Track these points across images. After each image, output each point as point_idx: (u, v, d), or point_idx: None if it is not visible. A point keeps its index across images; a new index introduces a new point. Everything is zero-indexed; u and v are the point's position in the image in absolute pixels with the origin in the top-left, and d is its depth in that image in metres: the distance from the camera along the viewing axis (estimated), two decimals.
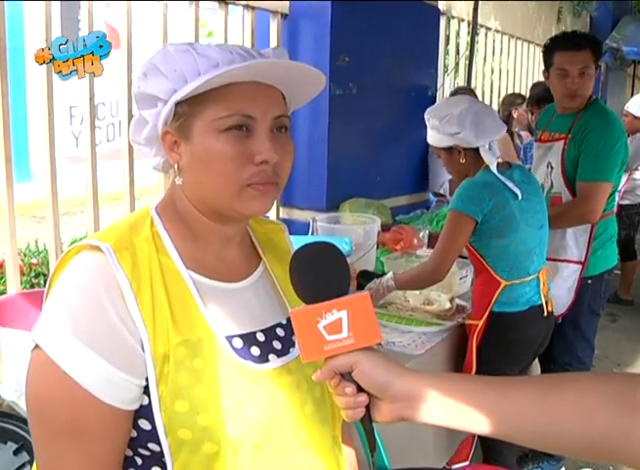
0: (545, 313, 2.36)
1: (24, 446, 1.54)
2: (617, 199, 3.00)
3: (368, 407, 0.85)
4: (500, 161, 2.34)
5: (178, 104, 0.92)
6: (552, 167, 2.81)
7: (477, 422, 0.80)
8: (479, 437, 2.43)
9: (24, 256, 3.90)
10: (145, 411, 0.87)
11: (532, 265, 2.32)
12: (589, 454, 0.79)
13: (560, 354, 2.88)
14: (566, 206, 2.72)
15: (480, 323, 2.30)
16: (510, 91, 5.96)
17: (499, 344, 2.32)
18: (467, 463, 2.48)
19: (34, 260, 3.76)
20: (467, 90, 4.43)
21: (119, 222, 0.98)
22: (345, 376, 0.84)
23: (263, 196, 0.93)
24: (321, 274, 0.85)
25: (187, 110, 0.92)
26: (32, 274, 3.57)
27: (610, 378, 0.80)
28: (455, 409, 0.81)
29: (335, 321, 0.83)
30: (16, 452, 1.53)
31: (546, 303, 2.36)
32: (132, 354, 0.85)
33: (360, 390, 0.84)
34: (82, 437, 0.85)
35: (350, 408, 0.84)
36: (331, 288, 0.85)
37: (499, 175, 2.23)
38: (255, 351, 0.95)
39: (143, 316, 0.85)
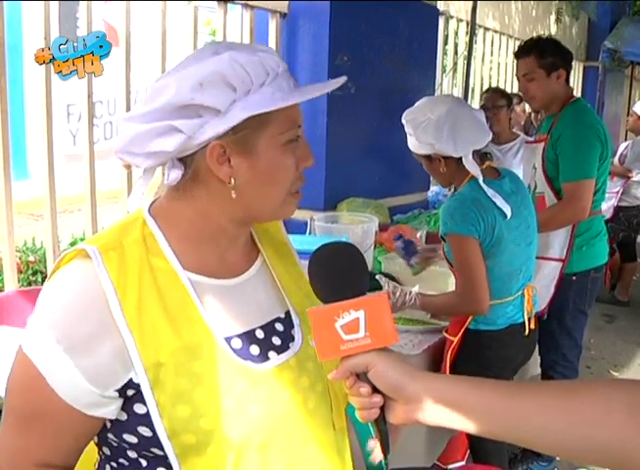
0: (527, 332, 2.23)
1: None
2: (605, 199, 3.02)
3: (383, 408, 0.85)
4: (492, 165, 2.18)
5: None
6: (535, 168, 2.89)
7: (490, 426, 0.80)
8: (468, 437, 2.43)
9: (22, 253, 3.89)
10: (144, 419, 0.87)
11: (516, 285, 2.18)
12: (601, 461, 0.77)
13: (546, 352, 2.92)
14: (554, 209, 2.77)
15: (456, 340, 2.19)
16: (508, 92, 5.95)
17: (475, 361, 2.19)
18: (462, 463, 2.49)
19: (32, 258, 3.75)
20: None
21: (112, 225, 0.98)
22: (361, 376, 0.84)
23: (296, 201, 0.99)
24: (339, 274, 0.85)
25: (252, 123, 0.90)
26: (30, 272, 3.56)
27: (629, 385, 0.78)
28: (467, 413, 0.80)
29: (352, 321, 0.83)
30: None
31: (529, 320, 2.23)
32: (104, 366, 0.86)
33: (375, 391, 0.84)
34: (39, 427, 0.89)
35: (365, 409, 0.84)
36: (349, 288, 0.84)
37: (488, 190, 2.04)
38: (255, 349, 0.95)
39: (128, 324, 0.85)
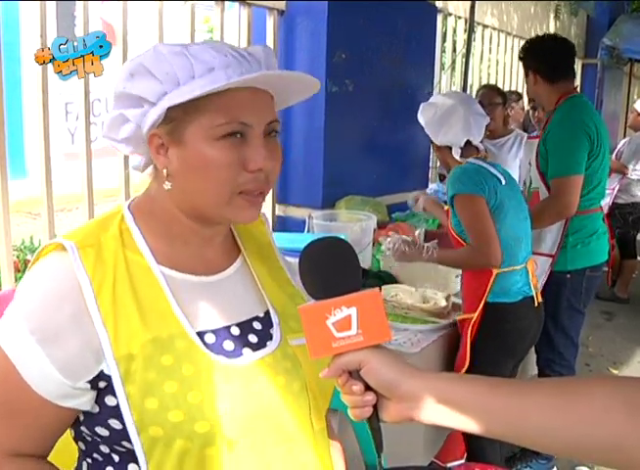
0: (536, 304, 2.39)
1: None
2: (603, 196, 3.02)
3: (376, 407, 0.84)
4: (482, 154, 2.41)
5: (170, 107, 0.90)
6: (531, 164, 2.96)
7: (489, 426, 0.79)
8: (463, 435, 2.43)
9: (20, 252, 3.89)
10: (114, 411, 0.87)
11: (521, 254, 2.33)
12: (600, 459, 0.77)
13: (542, 351, 2.94)
14: (541, 204, 2.80)
15: (475, 316, 2.28)
16: (507, 89, 5.95)
17: (494, 335, 2.32)
18: (462, 461, 2.49)
19: (29, 257, 3.75)
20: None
21: (91, 220, 0.99)
22: (353, 374, 0.83)
23: (253, 206, 0.94)
24: (331, 270, 0.84)
25: (180, 114, 0.90)
26: None
27: (626, 383, 0.78)
28: (465, 412, 0.79)
29: (344, 318, 0.82)
30: None
31: (536, 293, 2.38)
32: (76, 358, 0.86)
33: (368, 388, 0.83)
34: (11, 418, 0.89)
35: (358, 407, 0.83)
36: (341, 284, 0.83)
37: (483, 163, 2.31)
38: (229, 345, 0.95)
39: (102, 317, 0.86)
